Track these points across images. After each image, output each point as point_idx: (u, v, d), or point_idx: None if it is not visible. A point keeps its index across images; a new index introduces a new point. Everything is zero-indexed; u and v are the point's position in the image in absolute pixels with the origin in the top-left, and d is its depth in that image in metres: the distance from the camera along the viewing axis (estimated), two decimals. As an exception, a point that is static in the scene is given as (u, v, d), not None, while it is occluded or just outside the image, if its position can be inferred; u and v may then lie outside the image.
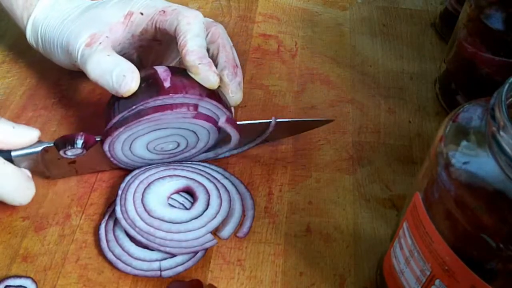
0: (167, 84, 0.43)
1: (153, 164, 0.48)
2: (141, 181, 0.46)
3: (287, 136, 0.52)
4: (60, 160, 0.45)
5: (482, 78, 0.51)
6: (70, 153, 0.44)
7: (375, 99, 0.58)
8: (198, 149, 0.48)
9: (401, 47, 0.64)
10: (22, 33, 0.52)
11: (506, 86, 0.28)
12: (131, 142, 0.45)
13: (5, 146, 0.43)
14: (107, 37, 0.46)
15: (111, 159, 0.46)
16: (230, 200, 0.46)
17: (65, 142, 0.44)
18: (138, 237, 0.42)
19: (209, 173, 0.48)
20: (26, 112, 0.54)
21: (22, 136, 0.43)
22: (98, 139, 0.45)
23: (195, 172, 0.47)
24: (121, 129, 0.43)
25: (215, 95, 0.45)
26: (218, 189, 0.46)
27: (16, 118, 0.53)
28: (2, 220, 0.45)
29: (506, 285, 0.29)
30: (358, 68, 0.61)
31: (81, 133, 0.44)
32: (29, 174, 0.45)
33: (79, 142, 0.44)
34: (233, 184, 0.47)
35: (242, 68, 0.49)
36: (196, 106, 0.44)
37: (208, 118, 0.45)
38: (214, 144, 0.48)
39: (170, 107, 0.43)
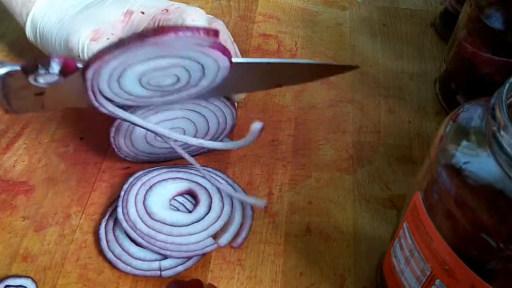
0: None
1: (140, 104, 0.42)
2: (143, 183, 0.46)
3: (304, 81, 0.48)
4: (26, 90, 0.38)
5: (482, 78, 0.51)
6: (43, 80, 0.36)
7: (375, 99, 0.58)
8: (199, 88, 0.41)
9: (401, 47, 0.64)
10: (22, 33, 0.52)
11: (507, 86, 0.28)
12: (121, 71, 0.37)
13: None
14: (112, 34, 0.46)
15: (90, 91, 0.38)
16: (232, 204, 0.45)
17: (37, 65, 0.35)
18: (139, 240, 0.42)
19: (212, 177, 0.47)
20: (26, 112, 0.54)
21: None
22: (80, 65, 0.37)
23: (198, 175, 0.47)
24: (115, 52, 0.35)
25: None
26: (220, 193, 0.46)
27: (16, 118, 0.53)
28: (2, 220, 0.45)
29: (506, 285, 0.29)
30: (358, 68, 0.61)
31: (59, 55, 0.36)
32: None
33: (55, 66, 0.35)
34: (235, 190, 0.47)
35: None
36: (216, 34, 0.36)
37: (224, 50, 0.38)
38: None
39: (185, 29, 0.35)
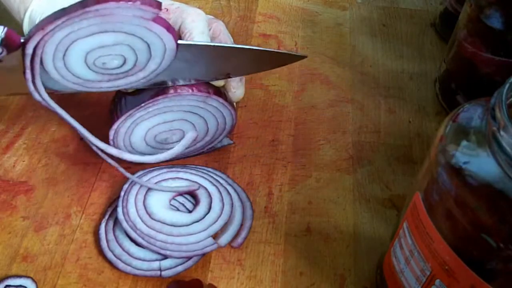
0: (171, 90, 0.43)
1: (88, 90, 0.41)
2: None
3: (252, 72, 0.48)
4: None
5: (482, 78, 0.51)
6: None
7: (375, 99, 0.58)
8: (146, 72, 0.40)
9: (401, 47, 0.64)
10: (20, 32, 0.52)
11: (506, 86, 0.28)
12: (67, 46, 0.36)
13: None
14: None
15: (28, 71, 0.36)
16: (232, 204, 0.45)
17: None
18: (139, 240, 0.42)
19: (212, 177, 0.47)
20: (26, 112, 0.54)
21: None
22: (23, 40, 0.35)
23: (198, 175, 0.47)
24: (58, 21, 0.34)
25: (220, 92, 0.46)
26: (220, 193, 0.46)
27: (16, 118, 0.53)
28: (2, 220, 0.45)
29: (506, 285, 0.29)
30: (358, 68, 0.61)
31: (2, 26, 0.33)
32: None
33: None
34: (235, 190, 0.47)
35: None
36: (159, 6, 0.36)
37: (169, 27, 0.37)
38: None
39: None
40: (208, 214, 0.44)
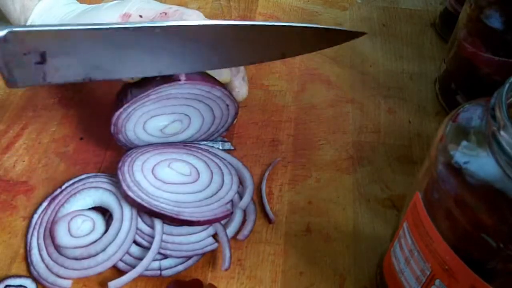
0: (182, 77, 0.44)
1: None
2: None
3: (308, 51, 0.46)
4: (27, 57, 0.38)
5: (482, 78, 0.51)
6: None
7: (375, 99, 0.58)
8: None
9: (401, 47, 0.64)
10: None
11: (506, 86, 0.28)
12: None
13: None
14: None
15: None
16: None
17: None
18: (139, 240, 0.42)
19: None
20: (26, 112, 0.54)
21: None
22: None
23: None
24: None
25: (225, 87, 0.47)
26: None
27: (16, 118, 0.53)
28: (2, 220, 0.45)
29: (506, 285, 0.29)
30: (358, 68, 0.61)
31: None
32: None
33: None
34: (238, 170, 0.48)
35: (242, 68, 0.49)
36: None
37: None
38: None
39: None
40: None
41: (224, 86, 0.46)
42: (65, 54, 0.39)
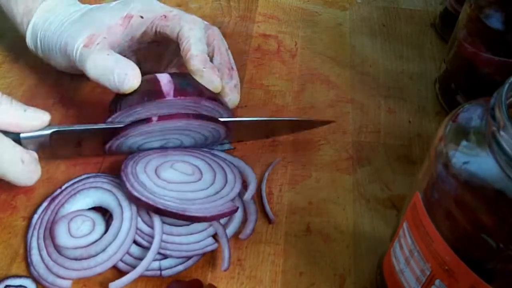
0: (169, 97, 0.44)
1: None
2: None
3: (288, 133, 0.53)
4: (67, 143, 0.46)
5: (482, 78, 0.51)
6: None
7: (375, 99, 0.58)
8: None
9: (401, 47, 0.64)
10: (22, 34, 0.52)
11: (506, 86, 0.28)
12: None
13: (17, 129, 0.43)
14: (104, 38, 0.47)
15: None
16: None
17: None
18: (139, 239, 0.42)
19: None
20: (26, 112, 0.54)
21: (34, 120, 0.43)
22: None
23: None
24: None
25: (216, 99, 0.46)
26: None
27: (16, 118, 0.53)
28: (2, 220, 0.45)
29: (506, 285, 0.29)
30: (358, 68, 0.61)
31: None
32: (36, 156, 0.45)
33: None
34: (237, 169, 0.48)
35: (242, 68, 0.49)
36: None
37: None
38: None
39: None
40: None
41: (214, 97, 0.46)
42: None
